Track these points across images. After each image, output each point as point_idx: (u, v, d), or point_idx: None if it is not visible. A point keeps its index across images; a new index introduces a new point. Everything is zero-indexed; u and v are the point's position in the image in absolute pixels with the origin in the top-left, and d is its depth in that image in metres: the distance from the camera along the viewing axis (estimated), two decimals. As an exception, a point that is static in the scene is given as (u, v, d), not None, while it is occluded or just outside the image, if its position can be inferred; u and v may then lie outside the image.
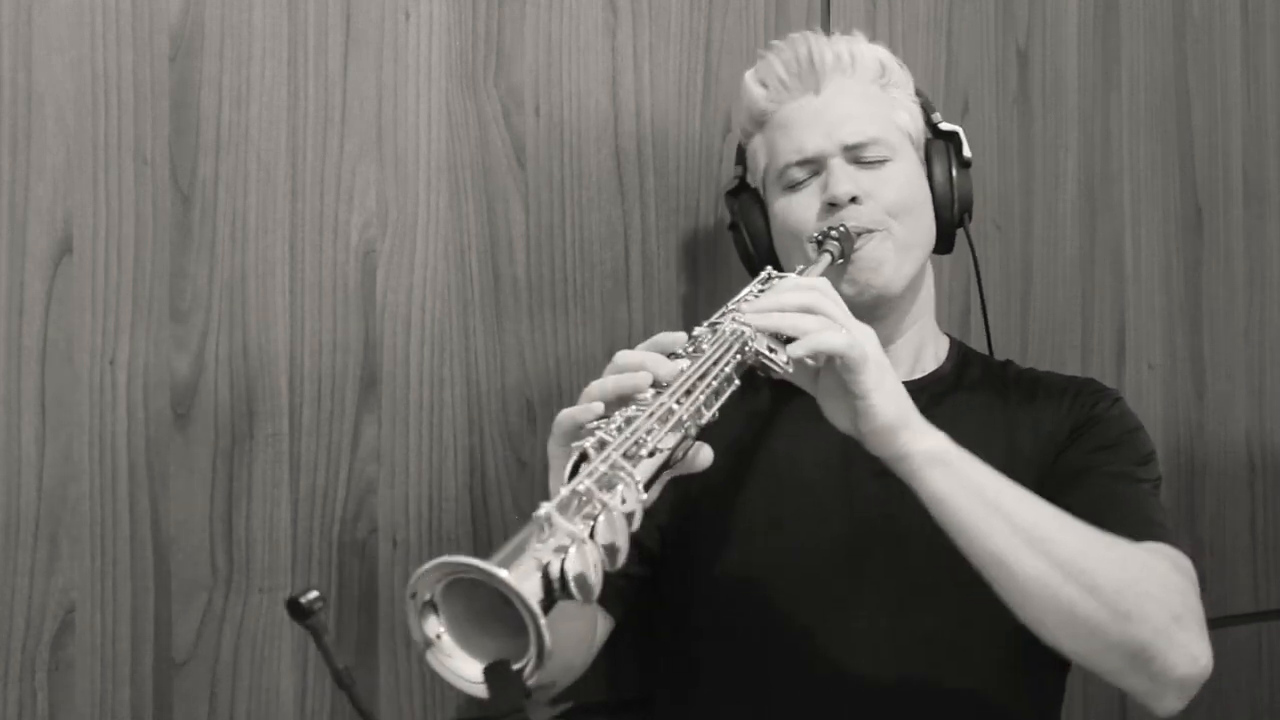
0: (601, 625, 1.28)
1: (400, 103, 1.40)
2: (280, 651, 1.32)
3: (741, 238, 1.41)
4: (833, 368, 1.10)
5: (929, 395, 1.33)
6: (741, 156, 1.42)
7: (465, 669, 0.79)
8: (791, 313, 1.09)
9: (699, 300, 1.56)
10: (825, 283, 1.14)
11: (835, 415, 1.12)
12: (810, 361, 1.08)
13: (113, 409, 1.25)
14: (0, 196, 1.21)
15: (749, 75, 1.38)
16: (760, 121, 1.37)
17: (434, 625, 0.79)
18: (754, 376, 1.30)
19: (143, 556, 1.26)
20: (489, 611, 0.78)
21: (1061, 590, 1.06)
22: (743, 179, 1.42)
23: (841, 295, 1.29)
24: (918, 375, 1.36)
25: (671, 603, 1.32)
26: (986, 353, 1.50)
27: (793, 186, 1.32)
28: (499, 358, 1.44)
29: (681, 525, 1.31)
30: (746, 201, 1.40)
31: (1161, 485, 1.29)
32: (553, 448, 1.06)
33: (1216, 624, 1.94)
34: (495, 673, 0.76)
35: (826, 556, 1.26)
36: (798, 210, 1.31)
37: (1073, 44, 1.87)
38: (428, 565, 0.77)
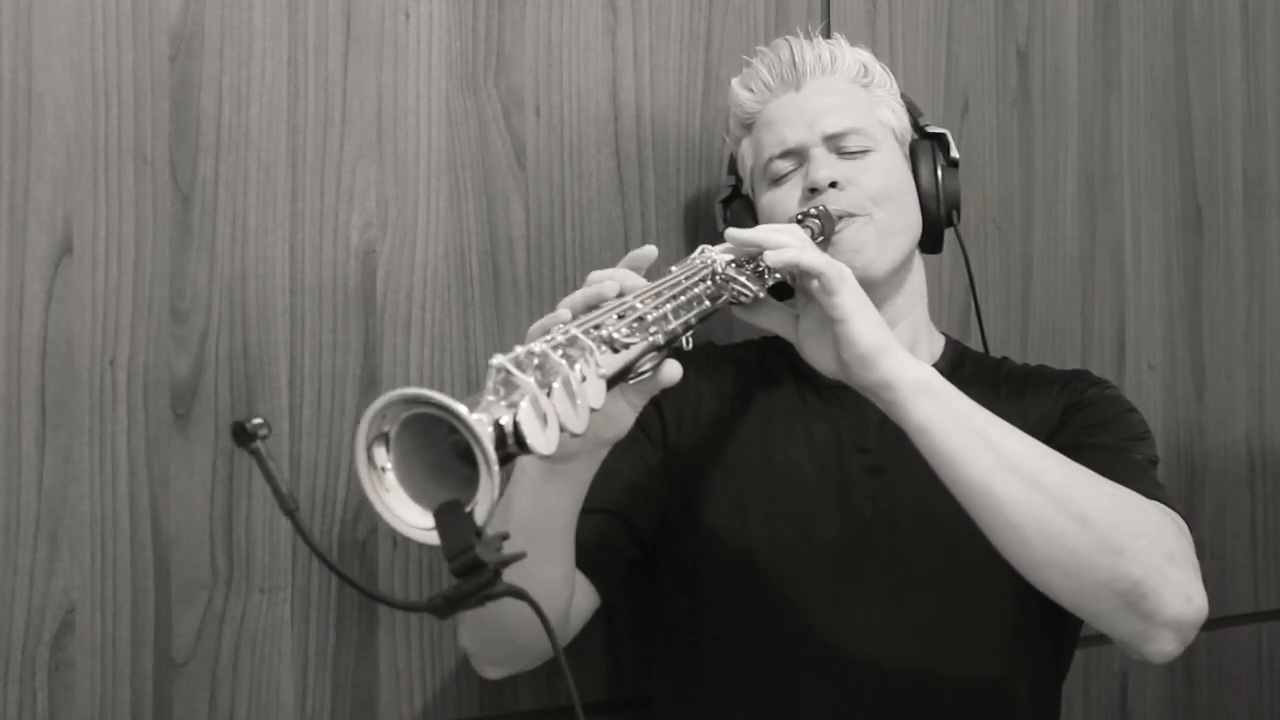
0: (584, 595, 1.25)
1: (400, 103, 1.40)
2: (280, 651, 1.32)
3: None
4: (810, 309, 1.10)
5: None
6: (734, 166, 1.43)
7: (406, 511, 0.78)
8: (770, 232, 1.10)
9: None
10: (795, 226, 1.16)
11: (817, 354, 1.12)
12: (767, 307, 1.09)
13: (113, 409, 1.25)
14: (0, 196, 1.21)
15: (735, 82, 1.41)
16: (747, 124, 1.39)
17: (382, 458, 0.77)
18: (749, 369, 1.30)
19: (143, 556, 1.26)
20: (439, 465, 0.77)
21: (1052, 520, 1.04)
22: (735, 188, 1.43)
23: None
24: None
25: (669, 598, 1.32)
26: (983, 351, 1.50)
27: (777, 180, 1.33)
28: (499, 358, 1.44)
29: (678, 520, 1.31)
30: (738, 209, 1.42)
31: (1158, 466, 1.28)
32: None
33: (1216, 624, 1.95)
34: (444, 512, 0.75)
35: (823, 550, 1.26)
36: (781, 201, 1.33)
37: (1073, 44, 1.87)
38: (381, 398, 0.76)
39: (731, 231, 1.10)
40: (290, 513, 0.75)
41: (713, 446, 1.33)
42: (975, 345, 1.53)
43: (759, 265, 1.11)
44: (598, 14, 1.52)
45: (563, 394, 0.82)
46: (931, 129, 1.41)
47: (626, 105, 1.53)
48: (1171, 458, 1.91)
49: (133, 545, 1.26)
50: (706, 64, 1.59)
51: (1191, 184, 1.97)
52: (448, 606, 0.73)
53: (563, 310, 0.99)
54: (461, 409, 0.74)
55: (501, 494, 0.74)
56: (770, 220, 1.34)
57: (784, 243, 1.09)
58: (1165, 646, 1.09)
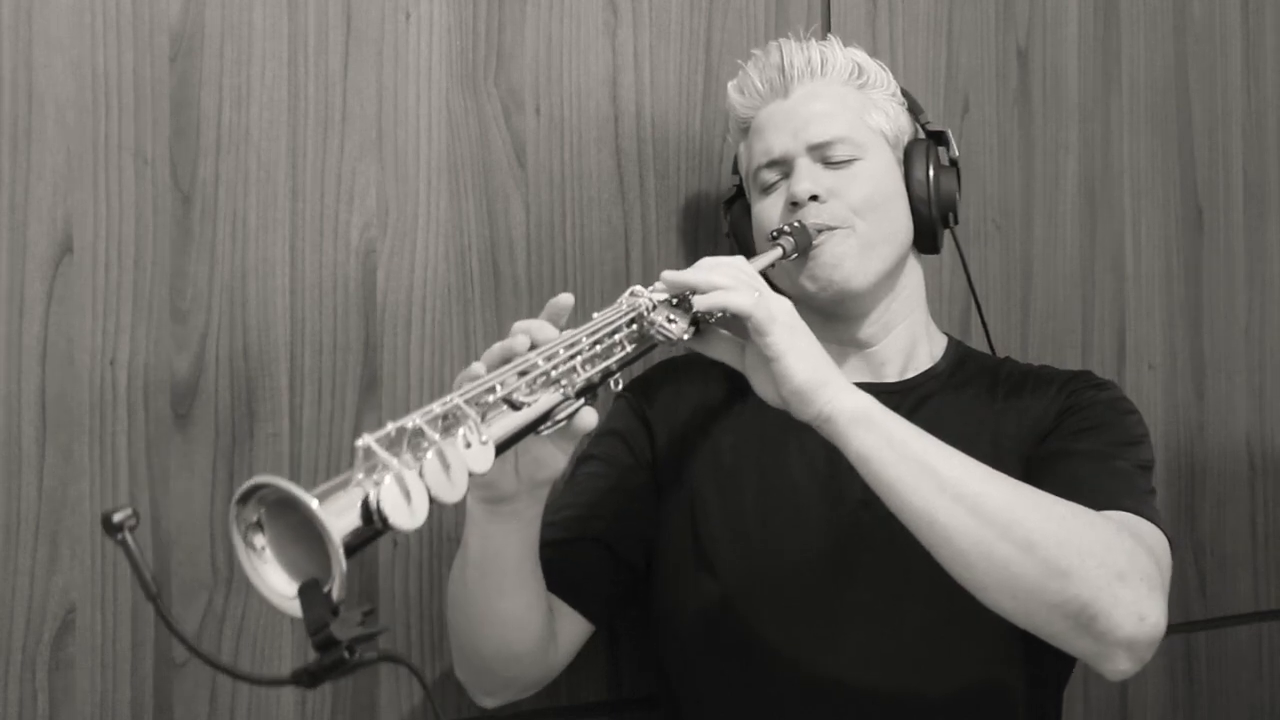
0: (572, 625, 1.27)
1: (400, 103, 1.40)
2: (280, 651, 1.32)
3: (734, 247, 1.43)
4: (752, 344, 1.10)
5: (916, 396, 1.33)
6: (737, 165, 1.44)
7: (282, 587, 0.82)
8: (703, 271, 1.10)
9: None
10: (741, 259, 1.16)
11: (762, 387, 1.12)
12: (715, 338, 1.10)
13: (113, 409, 1.25)
14: (0, 196, 1.21)
15: (731, 85, 1.40)
16: (743, 129, 1.39)
17: (260, 540, 0.82)
18: (739, 381, 1.30)
19: (143, 556, 1.26)
20: (309, 536, 0.81)
21: (995, 547, 1.05)
22: (739, 188, 1.43)
23: (805, 293, 1.30)
24: (910, 374, 1.36)
25: (662, 610, 1.32)
26: (988, 351, 1.49)
27: (766, 190, 1.33)
28: (499, 358, 1.44)
29: (669, 535, 1.31)
30: (739, 211, 1.42)
31: (1154, 470, 1.27)
32: None
33: (1216, 624, 1.95)
34: (304, 590, 0.80)
35: (816, 561, 1.26)
36: (767, 211, 1.33)
37: (1073, 44, 1.87)
38: (248, 484, 0.80)
39: (666, 275, 1.10)
40: (153, 598, 0.80)
41: (704, 455, 1.32)
42: (977, 345, 1.53)
43: (690, 307, 1.10)
44: (598, 14, 1.52)
45: (435, 465, 0.85)
46: (932, 127, 1.40)
47: (626, 105, 1.53)
48: (1171, 458, 1.91)
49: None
50: (706, 64, 1.59)
51: (1191, 184, 1.97)
52: (310, 679, 0.78)
53: (476, 366, 1.01)
54: (306, 499, 0.78)
55: (345, 568, 0.80)
56: (756, 228, 1.35)
57: (714, 284, 1.08)
58: (1120, 665, 1.09)
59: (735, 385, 1.36)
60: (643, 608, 1.35)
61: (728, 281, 1.09)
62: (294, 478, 1.33)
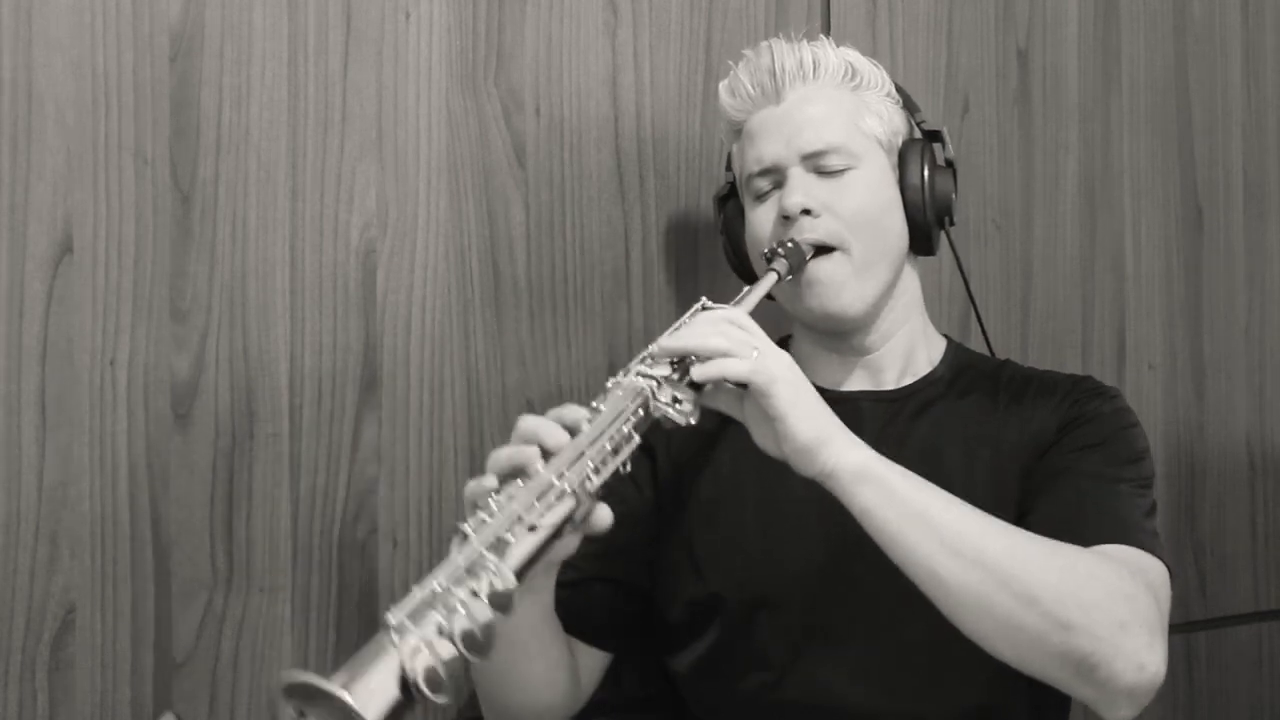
0: (592, 659, 1.27)
1: (400, 103, 1.40)
2: (280, 651, 1.32)
3: (726, 245, 1.42)
4: (752, 399, 1.09)
5: (917, 403, 1.32)
6: (730, 162, 1.42)
7: None
8: (699, 336, 1.09)
9: (699, 300, 1.56)
10: (740, 312, 1.14)
11: (763, 440, 1.12)
12: (716, 391, 1.09)
13: (113, 409, 1.25)
14: (0, 196, 1.21)
15: (723, 86, 1.37)
16: (736, 131, 1.37)
17: None
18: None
19: (143, 556, 1.26)
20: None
21: (996, 600, 1.05)
22: (733, 185, 1.42)
23: (801, 313, 1.29)
24: (908, 380, 1.35)
25: (663, 623, 1.32)
26: (986, 353, 1.49)
27: (759, 197, 1.32)
28: (499, 358, 1.44)
29: (670, 549, 1.30)
30: (731, 210, 1.41)
31: (1154, 484, 1.26)
32: (467, 518, 1.05)
33: (1216, 624, 1.95)
34: None
35: (815, 575, 1.25)
36: (759, 222, 1.31)
37: (1073, 44, 1.87)
38: (283, 680, 0.80)
39: (663, 343, 1.09)
40: None
41: (704, 471, 1.32)
42: (976, 345, 1.52)
43: (691, 381, 1.09)
44: (598, 14, 1.52)
45: (465, 619, 0.86)
46: (927, 127, 1.38)
47: (626, 105, 1.53)
48: (1171, 458, 1.91)
49: (133, 545, 1.26)
50: (706, 64, 1.59)
51: (1191, 184, 1.97)
52: None
53: (489, 478, 1.00)
54: (337, 690, 0.78)
55: None
56: (749, 237, 1.33)
57: (711, 349, 1.07)
58: (1120, 712, 1.09)
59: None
60: (646, 620, 1.35)
61: (725, 345, 1.08)
62: (293, 477, 1.33)
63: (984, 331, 1.56)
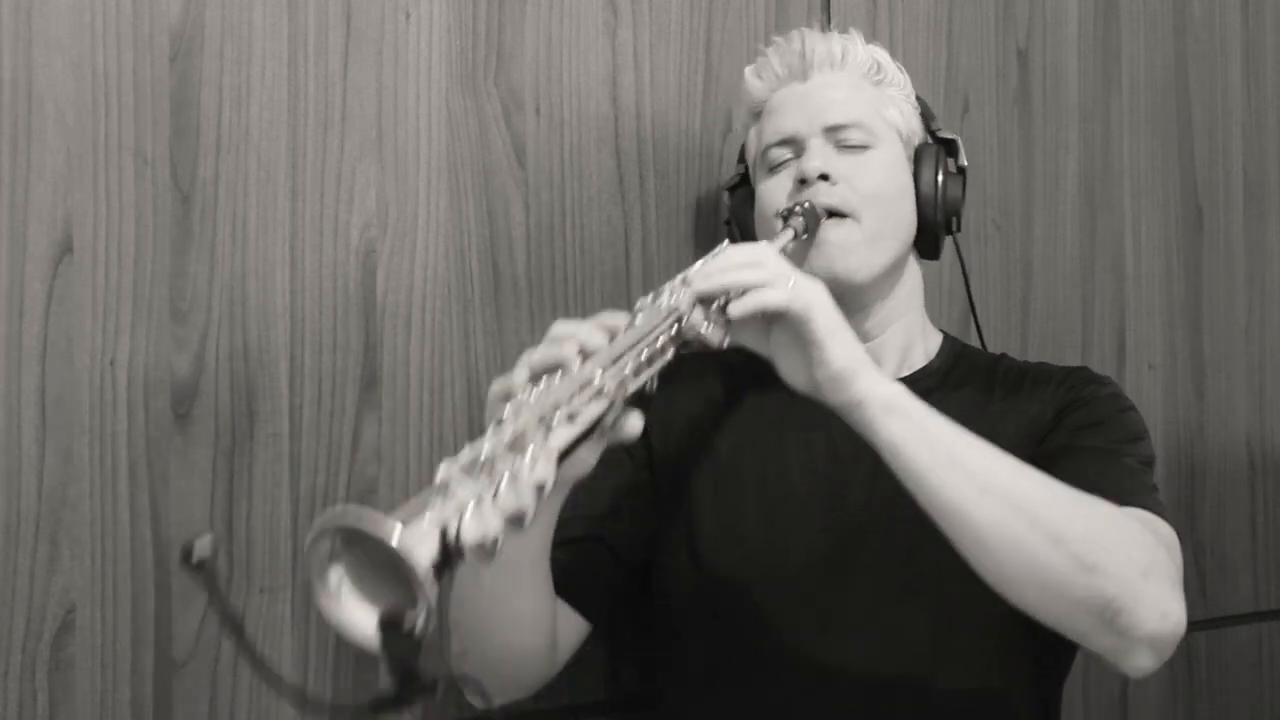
0: (572, 624, 1.26)
1: (400, 103, 1.40)
2: (280, 651, 1.32)
3: (733, 232, 1.42)
4: (783, 327, 1.09)
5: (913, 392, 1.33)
6: (743, 154, 1.43)
7: (361, 620, 0.80)
8: (733, 270, 1.08)
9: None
10: (767, 246, 1.14)
11: (791, 371, 1.10)
12: (749, 320, 1.08)
13: (113, 409, 1.25)
14: (0, 196, 1.21)
15: (749, 70, 1.40)
16: (756, 113, 1.39)
17: (335, 575, 0.80)
18: (739, 376, 1.29)
19: (143, 556, 1.26)
20: (388, 564, 0.79)
21: (1024, 539, 1.04)
22: (744, 176, 1.42)
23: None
24: (905, 373, 1.35)
25: (662, 607, 1.32)
26: (981, 349, 1.49)
27: (774, 169, 1.33)
28: (499, 358, 1.44)
29: (667, 536, 1.31)
30: (741, 196, 1.41)
31: (1154, 465, 1.27)
32: (487, 419, 1.04)
33: (1216, 624, 1.95)
34: (385, 626, 0.78)
35: (815, 559, 1.26)
36: (773, 190, 1.32)
37: (1073, 44, 1.87)
38: (325, 517, 0.78)
39: (697, 284, 1.07)
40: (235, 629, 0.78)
41: (702, 456, 1.32)
42: (976, 343, 1.53)
43: (724, 304, 1.09)
44: (598, 14, 1.52)
45: (509, 491, 0.85)
46: (943, 134, 1.40)
47: (626, 105, 1.53)
48: (1171, 458, 1.91)
49: (133, 545, 1.26)
50: (706, 64, 1.59)
51: (1191, 184, 1.97)
52: (391, 710, 0.78)
53: (521, 371, 1.00)
54: (392, 537, 0.76)
55: (437, 604, 0.78)
56: (761, 207, 1.33)
57: (746, 283, 1.06)
58: (1141, 662, 1.08)
59: (732, 381, 1.36)
60: (640, 607, 1.35)
61: (760, 278, 1.07)
62: (293, 477, 1.33)
63: (979, 331, 1.56)
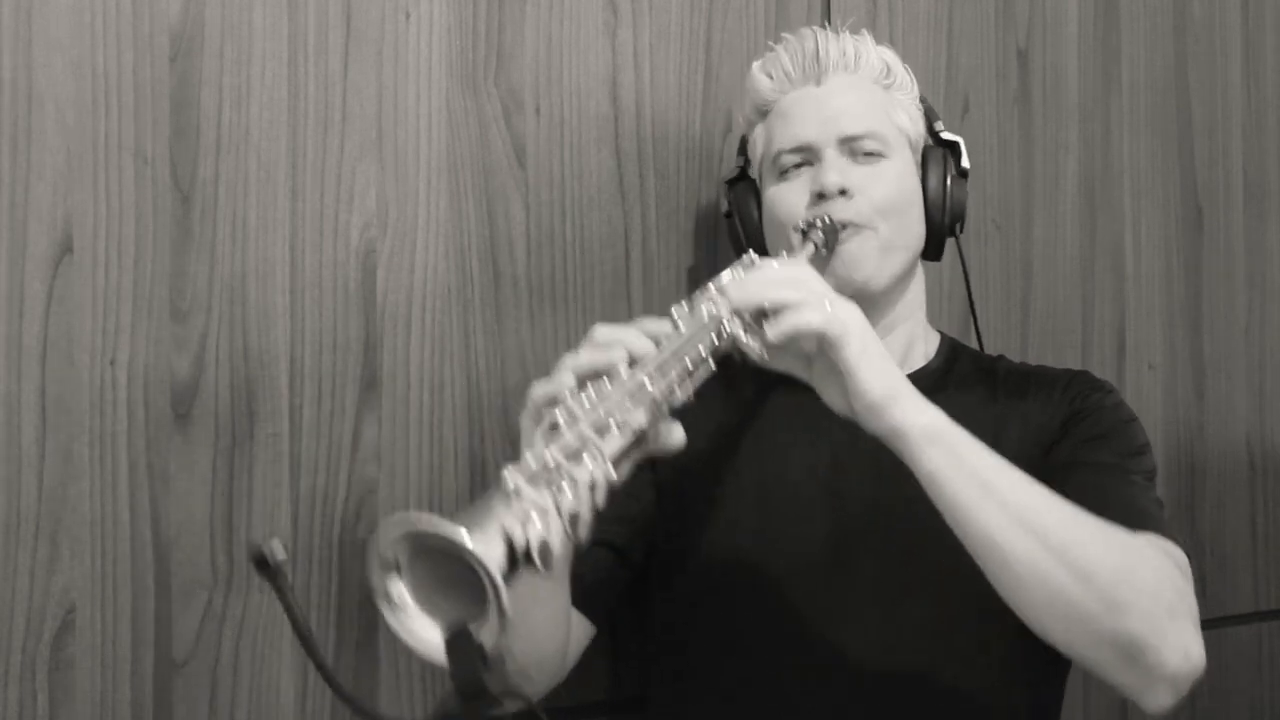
0: (581, 629, 1.27)
1: (400, 103, 1.40)
2: (280, 651, 1.32)
3: (735, 225, 1.42)
4: (821, 354, 1.09)
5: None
6: (744, 147, 1.43)
7: (425, 632, 0.79)
8: (771, 287, 1.07)
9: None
10: (803, 264, 1.14)
11: (831, 398, 1.11)
12: (786, 343, 1.07)
13: (113, 409, 1.25)
14: (0, 196, 1.21)
15: (756, 66, 1.39)
16: (763, 111, 1.38)
17: (396, 584, 0.79)
18: (739, 375, 1.29)
19: (143, 556, 1.26)
20: (452, 574, 0.78)
21: (1053, 575, 1.04)
22: (743, 169, 1.42)
23: None
24: (905, 372, 1.36)
25: (664, 605, 1.32)
26: (980, 349, 1.50)
27: (784, 174, 1.33)
28: (499, 358, 1.44)
29: (670, 527, 1.31)
30: (743, 190, 1.41)
31: (1156, 478, 1.27)
32: (524, 420, 1.04)
33: (1216, 624, 1.95)
34: (455, 639, 0.76)
35: (816, 556, 1.26)
36: (787, 198, 1.32)
37: (1073, 44, 1.87)
38: (391, 523, 0.77)
39: (733, 295, 1.07)
40: (305, 639, 0.77)
41: (703, 456, 1.32)
42: (974, 345, 1.53)
43: (762, 316, 1.08)
44: (598, 14, 1.52)
45: (571, 501, 0.84)
46: (945, 135, 1.40)
47: (626, 105, 1.53)
48: (1171, 458, 1.91)
49: (133, 545, 1.26)
50: (706, 64, 1.59)
51: (1191, 184, 1.97)
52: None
53: (567, 376, 0.99)
54: (468, 543, 0.75)
55: (510, 618, 0.76)
56: (772, 213, 1.33)
57: (784, 302, 1.06)
58: (1161, 700, 1.08)
59: (733, 382, 1.36)
60: (639, 605, 1.35)
61: (797, 297, 1.06)
62: (293, 477, 1.33)
63: (977, 331, 1.56)
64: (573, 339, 1.48)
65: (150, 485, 1.27)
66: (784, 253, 1.27)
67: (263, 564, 0.74)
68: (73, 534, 1.23)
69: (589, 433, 0.89)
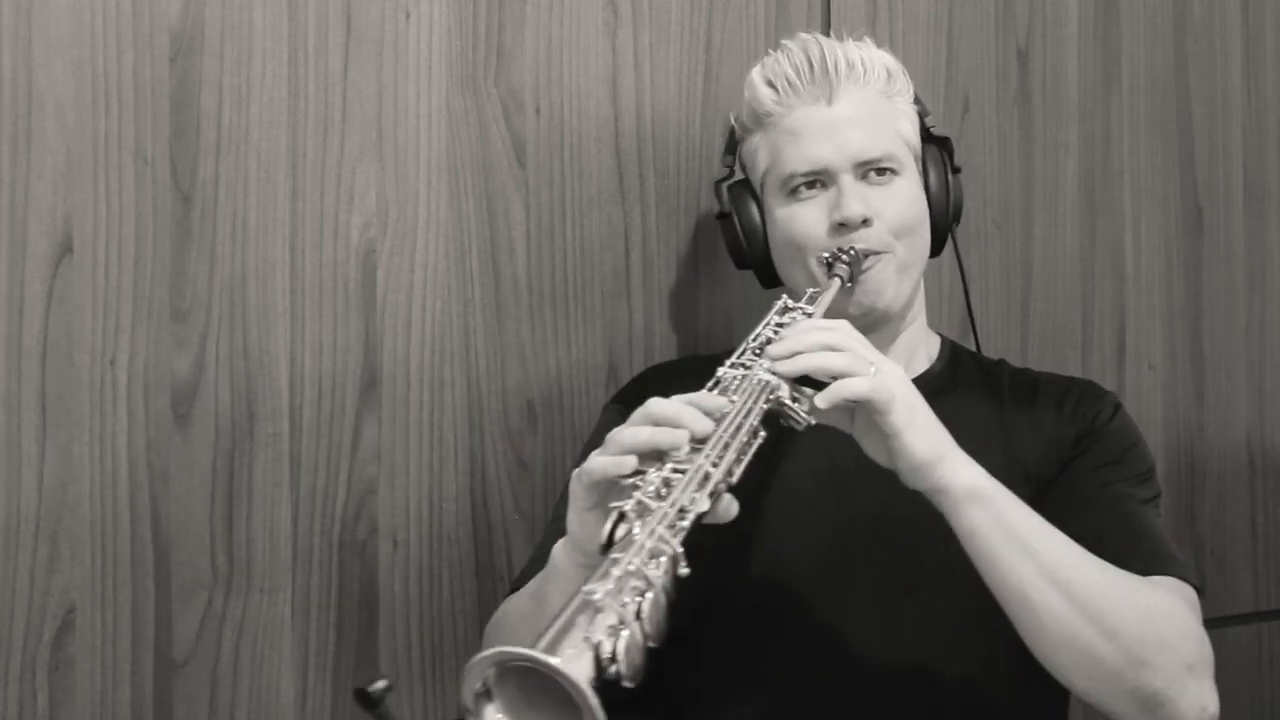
0: None
1: (400, 103, 1.40)
2: (280, 651, 1.32)
3: (733, 228, 1.38)
4: (863, 412, 1.10)
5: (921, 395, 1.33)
6: (734, 148, 1.40)
7: None
8: (816, 354, 1.09)
9: (699, 300, 1.56)
10: (845, 324, 1.14)
11: (875, 452, 1.13)
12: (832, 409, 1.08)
13: (113, 409, 1.25)
14: (0, 196, 1.21)
15: (755, 73, 1.36)
16: (763, 122, 1.35)
17: (491, 714, 0.79)
18: None
19: (143, 556, 1.26)
20: (540, 689, 0.78)
21: (1082, 633, 1.08)
22: (733, 171, 1.41)
23: (840, 311, 1.29)
24: (910, 376, 1.35)
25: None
26: (976, 349, 1.50)
27: (795, 193, 1.31)
28: (499, 358, 1.44)
29: None
30: (740, 193, 1.38)
31: (1161, 499, 1.30)
32: (577, 488, 1.04)
33: (1216, 624, 1.94)
34: None
35: (818, 559, 1.26)
36: (804, 224, 1.30)
37: (1073, 44, 1.87)
38: (482, 656, 0.77)
39: (780, 364, 1.08)
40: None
41: None
42: (972, 346, 1.53)
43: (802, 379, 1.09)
44: (598, 14, 1.52)
45: (651, 607, 0.83)
46: (936, 132, 1.39)
47: (626, 105, 1.53)
48: (1171, 458, 1.91)
49: (133, 545, 1.26)
50: (706, 64, 1.59)
51: (1191, 184, 1.97)
52: None
53: (629, 459, 0.99)
54: (550, 660, 0.74)
55: None
56: (787, 236, 1.32)
57: (830, 370, 1.07)
58: None
59: None
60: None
61: (844, 365, 1.08)
62: (293, 477, 1.33)
63: (975, 331, 1.56)
64: (573, 339, 1.48)
65: (150, 485, 1.27)
66: (810, 290, 1.26)
67: (366, 702, 0.74)
68: (73, 534, 1.23)
69: (665, 533, 0.89)
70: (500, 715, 0.79)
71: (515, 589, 1.26)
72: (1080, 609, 1.08)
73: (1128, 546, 1.17)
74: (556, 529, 1.19)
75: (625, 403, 1.36)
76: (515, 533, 1.44)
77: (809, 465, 1.30)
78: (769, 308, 1.22)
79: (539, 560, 1.19)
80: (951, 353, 1.41)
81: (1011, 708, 1.26)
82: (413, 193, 1.40)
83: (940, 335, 1.43)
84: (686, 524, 0.92)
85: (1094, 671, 1.09)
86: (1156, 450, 1.37)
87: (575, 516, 1.06)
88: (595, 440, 1.31)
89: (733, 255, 1.40)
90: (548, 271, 1.47)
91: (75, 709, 1.23)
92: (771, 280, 1.37)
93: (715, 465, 0.97)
